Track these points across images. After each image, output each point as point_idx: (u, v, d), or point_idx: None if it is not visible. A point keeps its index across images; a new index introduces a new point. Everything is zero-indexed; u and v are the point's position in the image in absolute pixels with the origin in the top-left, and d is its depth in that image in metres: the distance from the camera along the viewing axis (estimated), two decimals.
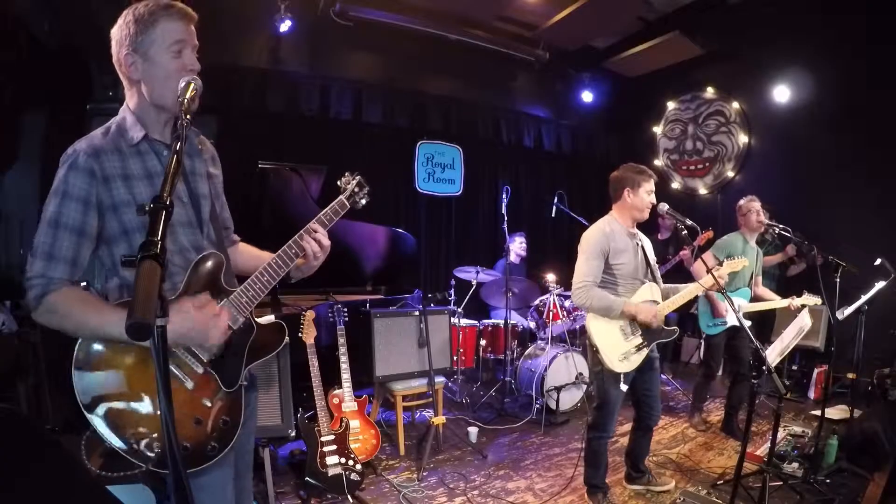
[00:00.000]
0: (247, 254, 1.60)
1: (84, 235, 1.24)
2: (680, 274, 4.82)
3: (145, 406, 1.21)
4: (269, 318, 2.54)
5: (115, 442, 1.16)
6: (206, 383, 1.29)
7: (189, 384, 1.26)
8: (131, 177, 1.27)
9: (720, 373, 5.37)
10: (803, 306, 3.26)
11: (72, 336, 1.20)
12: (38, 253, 1.22)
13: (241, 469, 1.48)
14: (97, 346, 1.21)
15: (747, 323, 3.53)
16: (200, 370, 1.29)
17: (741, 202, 3.68)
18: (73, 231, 1.23)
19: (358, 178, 1.58)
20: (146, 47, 1.24)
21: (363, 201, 1.58)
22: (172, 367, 1.22)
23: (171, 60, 1.25)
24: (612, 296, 2.54)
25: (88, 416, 1.16)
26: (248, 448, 1.54)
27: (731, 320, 3.53)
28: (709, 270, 2.54)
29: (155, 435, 1.18)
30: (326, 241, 1.46)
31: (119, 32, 1.26)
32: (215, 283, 1.32)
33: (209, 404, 1.29)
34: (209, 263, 1.32)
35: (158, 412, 1.17)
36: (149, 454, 1.17)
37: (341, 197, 1.54)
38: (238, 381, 1.34)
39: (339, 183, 1.57)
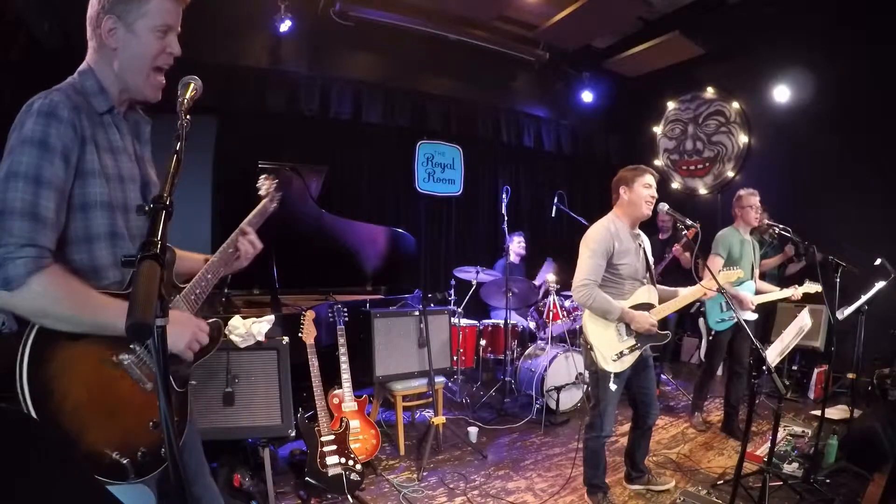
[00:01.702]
0: (180, 256, 1.50)
1: (64, 199, 1.08)
2: (676, 273, 4.81)
3: (111, 414, 1.11)
4: (269, 318, 2.54)
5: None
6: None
7: (148, 385, 1.17)
8: (100, 145, 1.17)
9: (720, 372, 5.39)
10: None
11: (52, 325, 1.04)
12: (17, 212, 1.01)
13: (195, 467, 1.44)
14: (60, 352, 1.06)
15: (753, 317, 3.50)
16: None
17: (741, 192, 3.59)
18: (57, 190, 1.06)
19: (276, 181, 1.69)
20: (133, 19, 1.17)
21: (276, 203, 1.69)
22: (133, 369, 1.15)
23: (156, 41, 1.19)
24: (612, 300, 2.53)
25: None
26: (198, 447, 1.49)
27: (740, 315, 3.46)
28: (713, 275, 2.53)
29: (117, 445, 1.10)
30: (259, 243, 1.51)
31: None
32: (168, 278, 1.26)
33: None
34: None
35: (109, 420, 1.10)
36: (111, 466, 1.08)
37: (265, 201, 1.64)
38: (189, 381, 1.31)
39: (258, 185, 1.70)
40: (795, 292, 3.34)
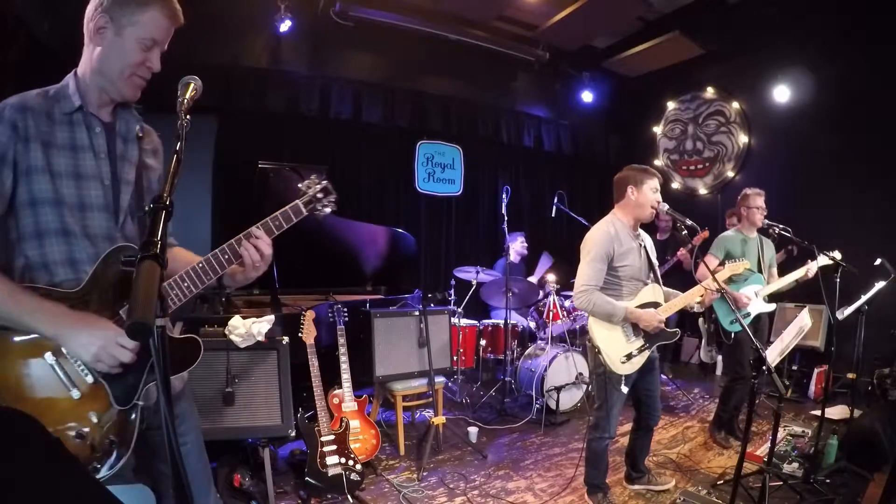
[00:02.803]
0: (181, 259, 1.36)
1: None
2: (678, 275, 4.81)
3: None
4: (269, 318, 2.53)
5: None
6: (95, 396, 1.14)
7: (75, 393, 1.12)
8: (52, 144, 1.18)
9: (718, 372, 5.38)
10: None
11: None
12: None
13: (200, 490, 1.38)
14: None
15: (770, 307, 3.43)
16: (91, 379, 1.14)
17: (748, 192, 3.48)
18: None
19: (325, 182, 1.36)
20: (124, 23, 1.18)
21: (327, 209, 1.36)
22: (59, 372, 1.11)
23: (138, 52, 1.20)
24: (614, 301, 2.50)
25: None
26: (202, 457, 1.42)
27: (755, 309, 3.39)
28: (712, 274, 2.51)
29: None
30: (268, 251, 1.27)
31: None
32: (128, 282, 1.19)
33: (95, 420, 1.13)
34: (123, 259, 1.15)
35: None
36: None
37: (298, 202, 1.32)
38: (133, 399, 1.16)
39: (300, 185, 1.35)
40: (809, 269, 3.26)
